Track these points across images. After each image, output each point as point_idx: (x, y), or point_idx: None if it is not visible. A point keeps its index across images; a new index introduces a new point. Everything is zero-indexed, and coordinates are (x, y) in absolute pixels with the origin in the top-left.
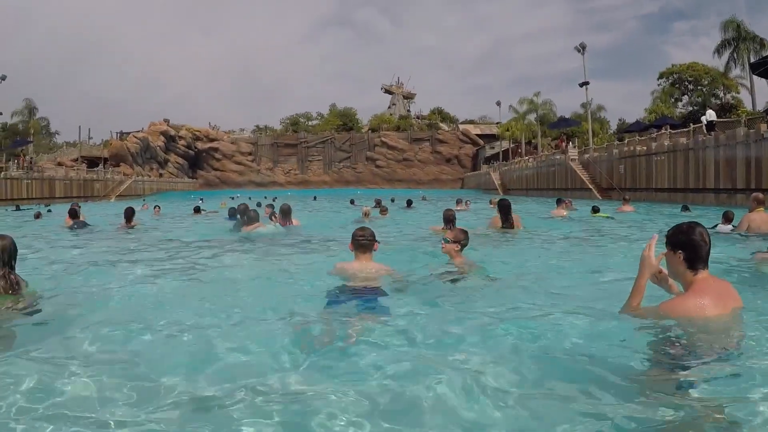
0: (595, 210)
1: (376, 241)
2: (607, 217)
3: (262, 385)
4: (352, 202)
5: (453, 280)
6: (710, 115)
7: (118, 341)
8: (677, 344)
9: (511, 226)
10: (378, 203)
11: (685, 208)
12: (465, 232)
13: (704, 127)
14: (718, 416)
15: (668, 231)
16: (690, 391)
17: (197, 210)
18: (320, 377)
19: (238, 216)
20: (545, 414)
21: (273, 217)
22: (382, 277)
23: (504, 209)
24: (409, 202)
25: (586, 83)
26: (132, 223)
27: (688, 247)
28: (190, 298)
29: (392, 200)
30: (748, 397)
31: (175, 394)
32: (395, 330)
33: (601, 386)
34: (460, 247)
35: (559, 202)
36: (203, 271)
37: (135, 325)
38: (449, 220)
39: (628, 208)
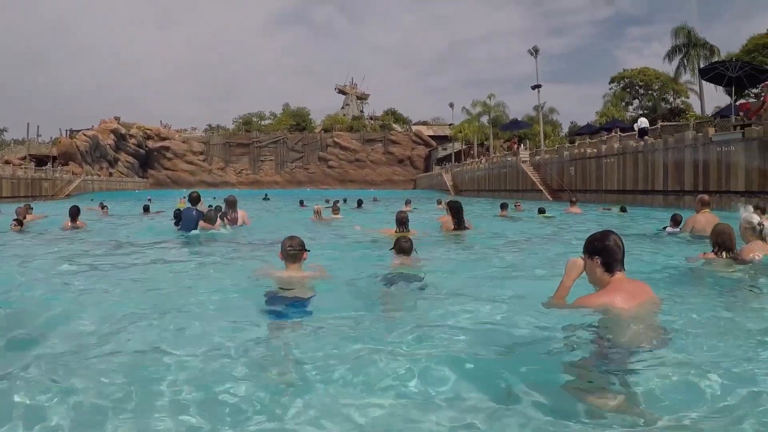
0: (541, 211)
1: (306, 250)
2: (550, 218)
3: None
4: (301, 203)
5: (388, 283)
6: (642, 122)
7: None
8: (596, 336)
9: (463, 228)
10: (334, 204)
11: (623, 209)
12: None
13: (637, 133)
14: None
15: (586, 240)
16: (603, 378)
17: (146, 209)
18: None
19: (180, 219)
20: (474, 409)
21: (225, 219)
22: (311, 283)
23: (456, 211)
24: (360, 202)
25: (538, 86)
26: (77, 223)
27: (604, 253)
28: (130, 304)
29: (344, 200)
30: (652, 386)
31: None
32: (322, 334)
33: (523, 379)
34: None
35: (503, 206)
36: (145, 275)
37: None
38: (402, 222)
39: (575, 209)
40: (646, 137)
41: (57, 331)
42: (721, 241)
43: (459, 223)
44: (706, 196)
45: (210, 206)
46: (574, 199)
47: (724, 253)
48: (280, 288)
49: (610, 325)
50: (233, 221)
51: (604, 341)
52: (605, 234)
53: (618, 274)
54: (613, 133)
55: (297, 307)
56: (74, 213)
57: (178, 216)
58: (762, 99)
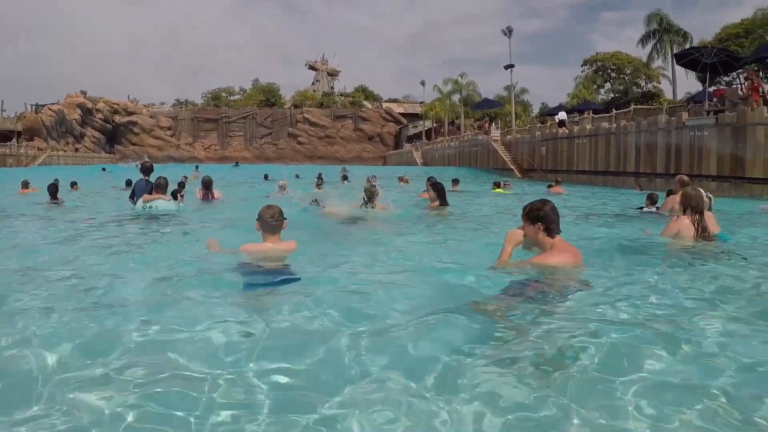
0: (497, 185)
1: (284, 218)
2: (505, 193)
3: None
4: (266, 177)
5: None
6: (561, 115)
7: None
8: (534, 285)
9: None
10: (318, 177)
11: (550, 186)
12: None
13: (557, 123)
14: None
15: (524, 209)
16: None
17: (129, 183)
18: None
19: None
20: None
21: (179, 196)
22: (291, 255)
23: (440, 192)
24: (344, 177)
25: (511, 66)
26: (57, 199)
27: (545, 219)
28: (103, 281)
29: (297, 176)
30: (580, 326)
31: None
32: (309, 299)
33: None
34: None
35: (454, 181)
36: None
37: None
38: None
39: (559, 189)
40: (564, 128)
41: None
42: (694, 204)
43: (444, 202)
44: (685, 177)
45: (164, 177)
46: (558, 179)
47: (696, 216)
48: (259, 262)
49: (551, 275)
50: (207, 199)
51: (541, 284)
52: (544, 203)
53: (557, 237)
54: (585, 115)
55: (282, 275)
56: (53, 190)
57: (131, 185)
58: (755, 84)
